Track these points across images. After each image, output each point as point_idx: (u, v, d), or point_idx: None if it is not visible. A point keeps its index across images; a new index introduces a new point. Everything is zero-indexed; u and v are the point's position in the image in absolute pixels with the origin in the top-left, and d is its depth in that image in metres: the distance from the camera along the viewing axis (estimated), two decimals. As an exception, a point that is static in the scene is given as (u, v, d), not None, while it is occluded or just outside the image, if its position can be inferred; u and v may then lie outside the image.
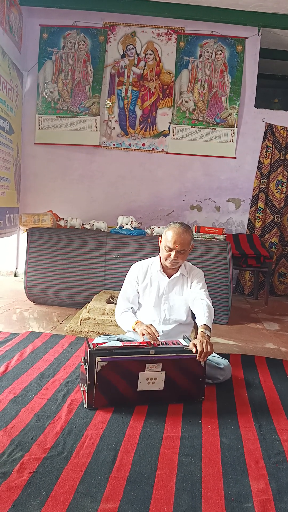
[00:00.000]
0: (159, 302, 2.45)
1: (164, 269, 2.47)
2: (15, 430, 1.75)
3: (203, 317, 2.23)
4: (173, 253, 2.33)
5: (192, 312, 2.50)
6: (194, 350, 2.05)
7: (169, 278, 2.46)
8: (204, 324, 2.20)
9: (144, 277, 2.49)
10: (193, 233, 2.44)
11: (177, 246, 2.32)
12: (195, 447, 1.73)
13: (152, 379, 2.02)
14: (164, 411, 2.01)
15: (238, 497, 1.45)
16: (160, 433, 1.81)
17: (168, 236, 2.35)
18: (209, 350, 2.05)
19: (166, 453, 1.67)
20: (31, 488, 1.41)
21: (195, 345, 2.06)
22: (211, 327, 2.22)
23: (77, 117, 5.21)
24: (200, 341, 2.07)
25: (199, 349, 2.04)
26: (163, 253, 2.39)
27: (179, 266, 2.47)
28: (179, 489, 1.46)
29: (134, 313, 2.52)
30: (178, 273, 2.46)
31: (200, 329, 2.18)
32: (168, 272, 2.48)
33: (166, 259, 2.38)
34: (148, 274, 2.49)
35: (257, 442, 1.81)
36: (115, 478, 1.49)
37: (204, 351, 2.03)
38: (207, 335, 2.15)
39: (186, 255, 2.40)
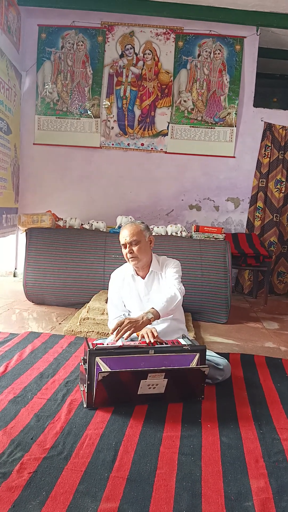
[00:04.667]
0: (142, 305, 2.44)
1: (137, 271, 2.47)
2: (14, 430, 1.75)
3: (158, 303, 2.20)
4: (127, 248, 2.35)
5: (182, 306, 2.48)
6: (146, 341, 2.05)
7: (143, 279, 2.46)
8: (152, 308, 2.17)
9: (122, 283, 2.50)
10: (146, 227, 2.43)
11: (127, 238, 2.34)
12: (195, 447, 1.73)
13: (153, 385, 2.01)
14: (163, 410, 2.01)
15: (238, 496, 1.45)
16: (160, 433, 1.81)
17: (120, 235, 2.39)
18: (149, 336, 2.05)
19: (166, 453, 1.67)
20: (31, 488, 1.41)
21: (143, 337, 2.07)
22: (160, 314, 2.17)
23: (77, 118, 5.21)
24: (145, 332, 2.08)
25: (146, 340, 2.05)
26: (124, 255, 2.40)
27: (148, 263, 2.44)
28: (179, 488, 1.46)
29: None
30: (150, 271, 2.45)
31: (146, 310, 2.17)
32: (141, 273, 2.47)
33: (128, 259, 2.39)
34: (126, 280, 2.50)
35: (257, 441, 1.81)
36: (115, 478, 1.49)
37: (147, 341, 2.04)
38: (148, 318, 2.12)
39: (145, 248, 2.37)
